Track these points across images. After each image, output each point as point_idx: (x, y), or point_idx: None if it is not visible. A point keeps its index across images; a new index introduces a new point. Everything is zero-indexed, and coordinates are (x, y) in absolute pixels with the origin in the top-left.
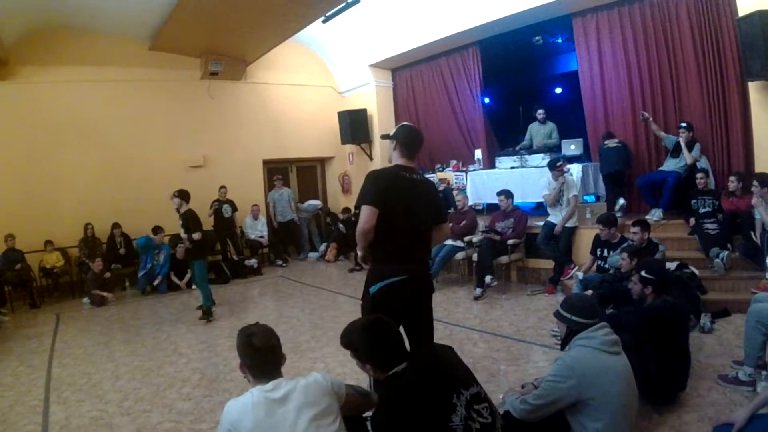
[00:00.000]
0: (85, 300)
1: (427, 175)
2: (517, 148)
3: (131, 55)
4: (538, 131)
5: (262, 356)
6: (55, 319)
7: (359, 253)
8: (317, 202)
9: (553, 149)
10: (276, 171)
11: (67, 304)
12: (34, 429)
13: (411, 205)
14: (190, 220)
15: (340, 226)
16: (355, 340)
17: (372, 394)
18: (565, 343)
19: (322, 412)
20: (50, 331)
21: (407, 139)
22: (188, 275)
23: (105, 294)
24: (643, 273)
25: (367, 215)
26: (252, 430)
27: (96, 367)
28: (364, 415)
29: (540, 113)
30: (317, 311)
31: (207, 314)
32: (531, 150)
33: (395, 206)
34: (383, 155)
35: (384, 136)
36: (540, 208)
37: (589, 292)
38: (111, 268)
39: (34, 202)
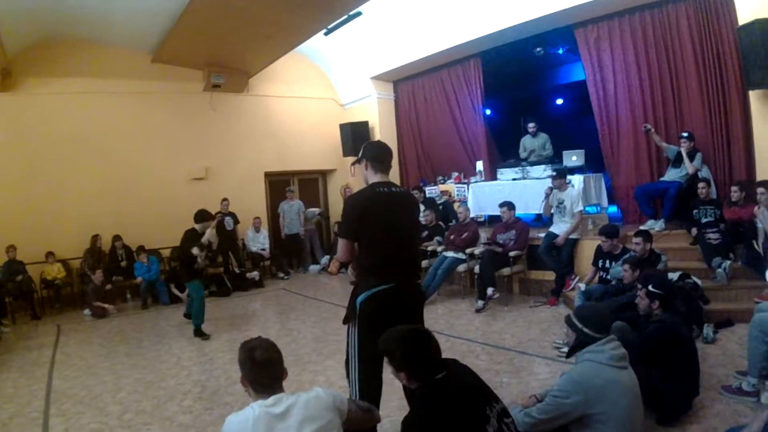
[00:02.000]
0: (87, 312)
1: (428, 188)
2: (522, 159)
3: (134, 68)
4: (532, 143)
5: (263, 371)
6: (56, 330)
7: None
8: (317, 209)
9: (552, 160)
10: (278, 183)
11: (68, 316)
12: None
13: (392, 219)
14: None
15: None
16: (393, 348)
17: (374, 409)
18: (572, 352)
19: (324, 427)
20: (51, 343)
21: (375, 154)
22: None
23: (106, 306)
24: (650, 287)
25: (342, 250)
26: None
27: (97, 379)
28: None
29: (531, 126)
30: (319, 324)
31: (199, 334)
32: (533, 162)
33: (376, 224)
34: None
35: (354, 163)
36: (539, 220)
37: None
38: (112, 280)
39: (35, 213)
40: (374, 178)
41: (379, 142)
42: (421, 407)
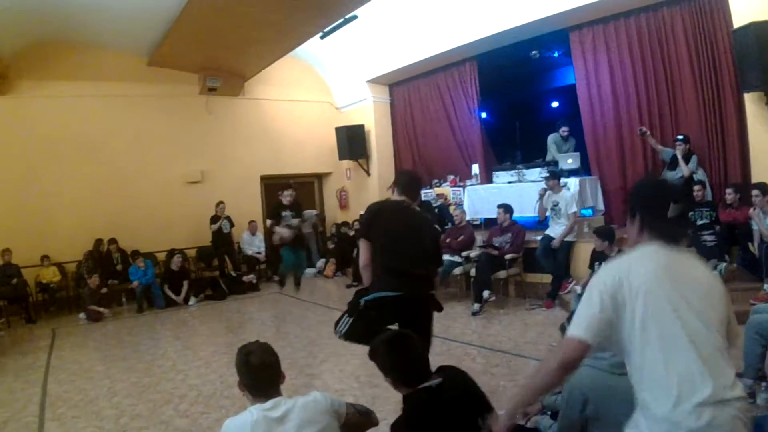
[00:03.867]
0: (82, 315)
1: (424, 191)
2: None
3: (129, 71)
4: (561, 146)
5: (260, 375)
6: (51, 334)
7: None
8: (312, 211)
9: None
10: (274, 187)
11: (63, 320)
12: None
13: (406, 227)
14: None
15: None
16: (377, 353)
17: (372, 412)
18: None
19: (321, 431)
20: (46, 347)
21: (407, 186)
22: (184, 290)
23: (101, 309)
24: None
25: (362, 250)
26: None
27: (92, 384)
28: None
29: (564, 130)
30: (315, 327)
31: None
32: (528, 164)
33: (386, 230)
34: (381, 171)
35: (389, 188)
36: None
37: None
38: (108, 284)
39: (30, 216)
40: (398, 198)
41: (414, 175)
42: (407, 413)
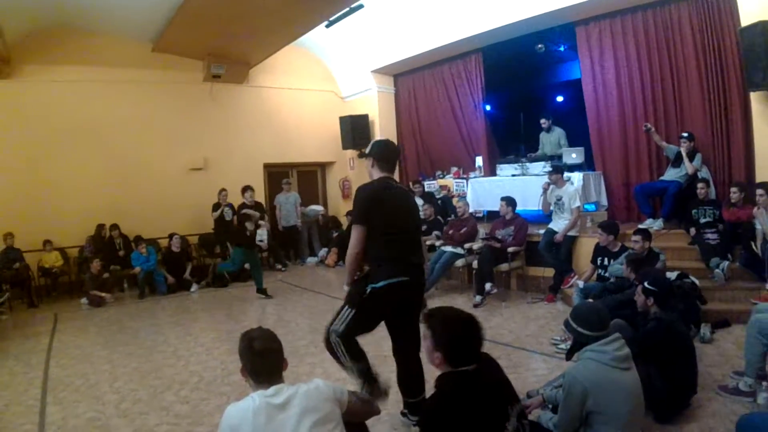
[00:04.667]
0: (84, 300)
1: (427, 182)
2: (531, 156)
3: (134, 56)
4: (548, 140)
5: (263, 361)
6: (53, 318)
7: (347, 276)
8: (320, 208)
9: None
10: (277, 175)
11: (65, 304)
12: (31, 429)
13: (401, 213)
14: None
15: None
16: (438, 324)
17: (374, 401)
18: (571, 353)
19: (324, 419)
20: (48, 331)
21: (384, 155)
22: (188, 271)
23: (103, 295)
24: (645, 284)
25: (356, 237)
26: None
27: (93, 368)
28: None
29: (543, 122)
30: (316, 316)
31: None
32: (533, 158)
33: (387, 215)
34: None
35: (361, 155)
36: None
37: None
38: (110, 270)
39: (33, 201)
40: (380, 175)
41: (387, 141)
42: (442, 394)
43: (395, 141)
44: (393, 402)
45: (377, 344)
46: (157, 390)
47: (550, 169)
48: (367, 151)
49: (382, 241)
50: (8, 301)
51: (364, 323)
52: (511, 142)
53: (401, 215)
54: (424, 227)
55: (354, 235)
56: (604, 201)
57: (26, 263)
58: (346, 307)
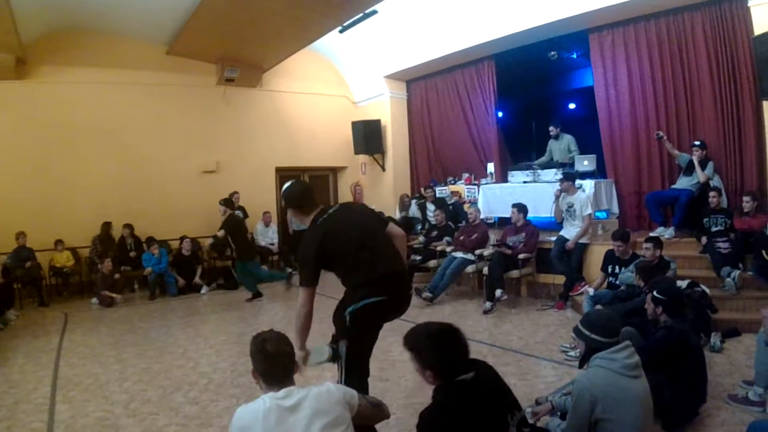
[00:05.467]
0: (94, 300)
1: (438, 188)
2: (535, 164)
3: (148, 59)
4: (557, 147)
5: (274, 363)
6: (64, 318)
7: (297, 339)
8: None
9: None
10: (289, 179)
11: (75, 304)
12: (40, 427)
13: (350, 232)
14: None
15: None
16: (421, 345)
17: (384, 405)
18: (583, 361)
19: (334, 421)
20: (58, 330)
21: (301, 200)
22: (198, 274)
23: (114, 295)
24: (654, 293)
25: (304, 297)
26: None
27: (103, 368)
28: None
29: (552, 130)
30: (326, 319)
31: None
32: (544, 165)
33: (337, 249)
34: (396, 166)
35: (286, 203)
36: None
37: (598, 307)
38: (121, 270)
39: (46, 200)
40: (309, 218)
41: (291, 186)
42: (440, 405)
43: (407, 146)
44: (400, 406)
45: (386, 350)
46: (167, 391)
47: (562, 176)
48: (283, 204)
49: (346, 270)
50: (19, 300)
51: (362, 348)
52: (523, 148)
53: (351, 235)
54: (434, 233)
55: (302, 296)
56: (616, 209)
57: (38, 262)
58: (341, 344)
